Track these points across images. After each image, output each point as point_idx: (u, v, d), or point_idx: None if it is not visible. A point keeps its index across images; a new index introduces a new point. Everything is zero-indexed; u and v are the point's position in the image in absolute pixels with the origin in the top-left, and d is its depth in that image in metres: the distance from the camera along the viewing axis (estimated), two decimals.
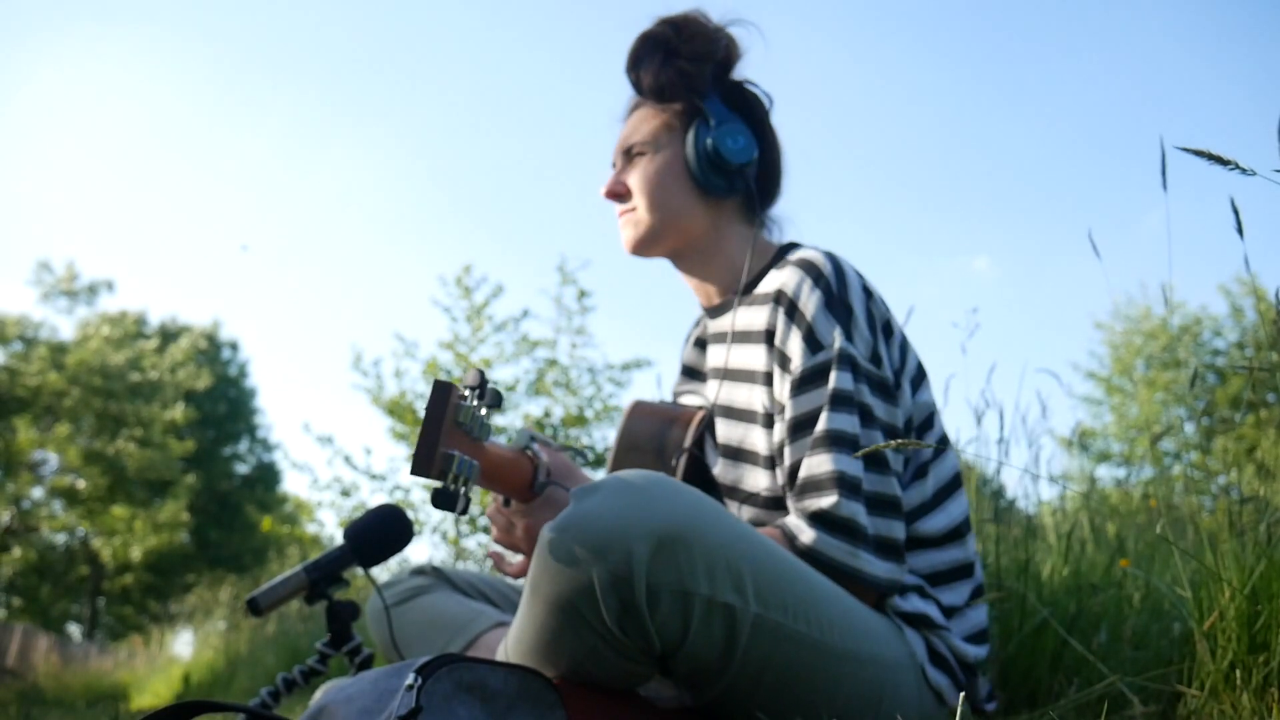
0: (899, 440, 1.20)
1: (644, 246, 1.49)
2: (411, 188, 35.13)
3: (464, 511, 1.10)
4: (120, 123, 34.32)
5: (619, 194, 1.50)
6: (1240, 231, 1.22)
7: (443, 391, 1.09)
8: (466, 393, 1.12)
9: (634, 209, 1.48)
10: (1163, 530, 1.88)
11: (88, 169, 35.42)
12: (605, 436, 6.33)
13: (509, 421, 6.13)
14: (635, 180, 1.47)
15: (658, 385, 2.37)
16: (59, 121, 33.37)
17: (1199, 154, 1.07)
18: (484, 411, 1.14)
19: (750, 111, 1.47)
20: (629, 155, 1.49)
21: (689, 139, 1.44)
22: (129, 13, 32.34)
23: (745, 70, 1.51)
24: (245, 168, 35.47)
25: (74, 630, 23.66)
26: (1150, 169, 1.28)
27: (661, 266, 1.55)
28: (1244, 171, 1.05)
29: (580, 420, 6.19)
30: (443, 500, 1.09)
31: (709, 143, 1.42)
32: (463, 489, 1.10)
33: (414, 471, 1.06)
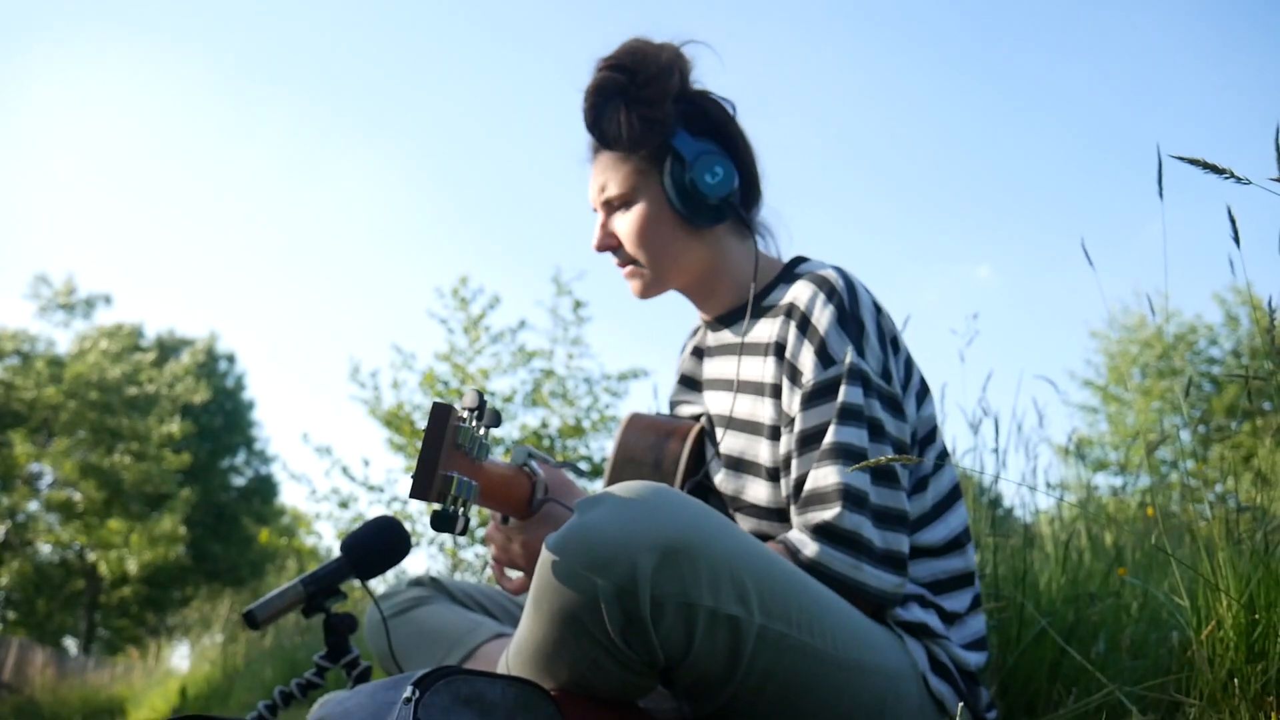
0: (897, 455, 1.21)
1: (652, 294, 1.49)
2: (408, 199, 35.18)
3: (463, 532, 1.10)
4: (119, 135, 34.38)
5: (611, 247, 1.48)
6: (1237, 240, 1.23)
7: (441, 413, 1.08)
8: (465, 414, 1.11)
9: (632, 262, 1.46)
10: (1160, 539, 1.89)
11: (86, 182, 35.45)
12: (603, 447, 6.33)
13: (506, 433, 6.13)
14: (624, 233, 1.45)
15: (654, 395, 2.38)
16: (57, 134, 33.42)
17: (1194, 163, 1.07)
18: (483, 431, 1.13)
19: (717, 127, 1.43)
20: (610, 206, 1.46)
21: (666, 183, 1.40)
22: (127, 26, 32.41)
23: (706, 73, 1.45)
24: (243, 180, 35.51)
25: (70, 644, 23.57)
26: (1153, 177, 1.29)
27: None
28: (1239, 180, 1.06)
29: (577, 431, 6.18)
30: (442, 522, 1.08)
31: (688, 182, 1.38)
32: (462, 510, 1.10)
33: (413, 495, 1.06)
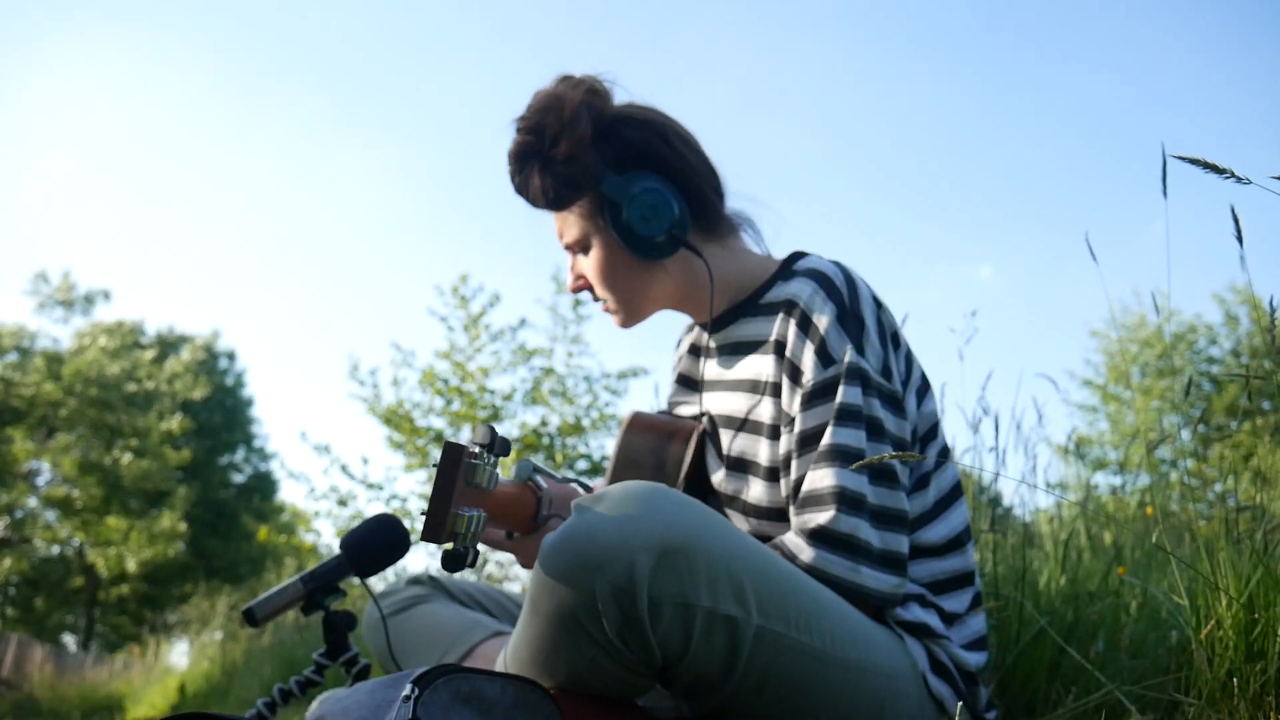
0: (895, 452, 1.21)
1: (632, 325, 1.50)
2: (409, 197, 35.16)
3: (473, 564, 1.11)
4: (118, 130, 34.36)
5: (584, 288, 1.49)
6: (1240, 239, 1.22)
7: (453, 454, 1.06)
8: (477, 450, 1.10)
9: (606, 301, 1.47)
10: (1159, 538, 1.89)
11: (85, 177, 35.43)
12: (602, 445, 6.33)
13: (506, 430, 6.13)
14: (589, 275, 1.45)
15: (655, 394, 2.37)
16: (56, 129, 33.39)
17: (1195, 162, 1.07)
18: (493, 462, 1.12)
19: (647, 154, 1.39)
20: (573, 250, 1.46)
21: (610, 229, 1.39)
22: (126, 20, 32.37)
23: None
24: (244, 177, 35.49)
25: (69, 641, 23.57)
26: (1153, 178, 1.28)
27: None
28: (1239, 180, 1.06)
29: (577, 429, 6.19)
30: (453, 562, 1.09)
31: (628, 226, 1.37)
32: (471, 544, 1.10)
33: (425, 539, 1.05)
